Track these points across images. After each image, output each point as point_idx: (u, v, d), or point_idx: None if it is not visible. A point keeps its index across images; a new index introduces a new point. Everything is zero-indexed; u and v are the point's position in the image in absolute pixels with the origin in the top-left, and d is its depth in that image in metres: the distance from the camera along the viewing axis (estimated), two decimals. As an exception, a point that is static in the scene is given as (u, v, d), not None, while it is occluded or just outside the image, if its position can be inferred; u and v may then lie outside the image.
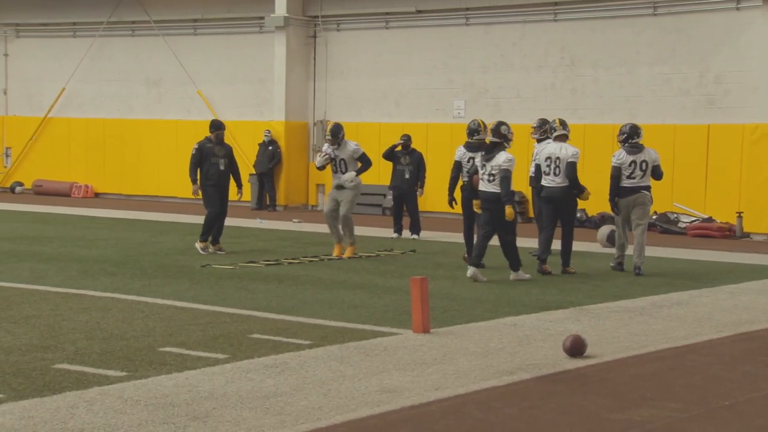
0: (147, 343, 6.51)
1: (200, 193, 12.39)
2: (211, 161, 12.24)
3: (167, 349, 6.33)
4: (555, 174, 11.18)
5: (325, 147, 12.56)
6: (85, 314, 7.52)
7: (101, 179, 23.71)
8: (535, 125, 12.80)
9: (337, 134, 12.34)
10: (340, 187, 12.38)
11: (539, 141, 12.59)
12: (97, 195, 23.56)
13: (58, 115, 24.29)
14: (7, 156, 25.03)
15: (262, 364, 5.96)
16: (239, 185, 12.65)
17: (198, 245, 12.20)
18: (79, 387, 5.28)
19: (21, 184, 24.35)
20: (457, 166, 12.08)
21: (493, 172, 10.28)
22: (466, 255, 11.77)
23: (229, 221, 16.89)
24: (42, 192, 23.64)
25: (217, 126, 12.51)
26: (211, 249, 12.22)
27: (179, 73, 22.64)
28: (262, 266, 10.98)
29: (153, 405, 4.99)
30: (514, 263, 10.34)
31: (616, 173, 11.16)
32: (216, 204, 12.28)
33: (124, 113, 23.56)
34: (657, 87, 17.95)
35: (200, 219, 12.36)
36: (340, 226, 12.23)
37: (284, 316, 7.73)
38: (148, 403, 5.01)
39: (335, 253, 12.17)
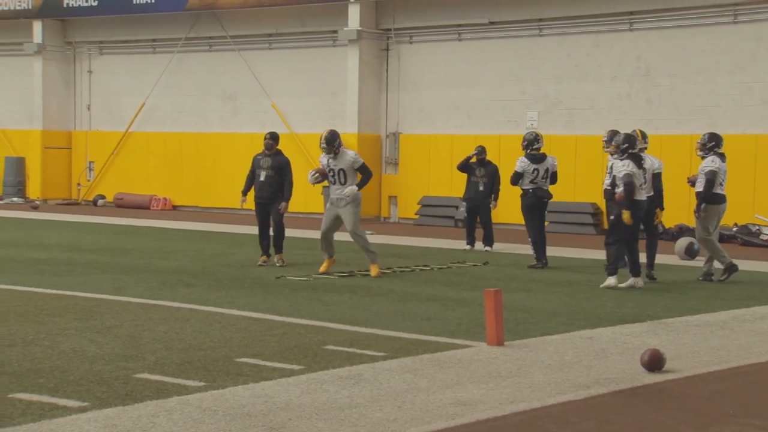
0: (224, 353, 6.62)
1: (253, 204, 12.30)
2: (256, 172, 12.15)
3: (244, 359, 6.42)
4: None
5: (321, 158, 11.55)
6: (164, 325, 7.68)
7: (179, 192, 24.22)
8: (605, 138, 12.89)
9: (332, 142, 11.24)
10: (338, 201, 11.37)
11: (613, 154, 12.69)
12: (174, 207, 24.07)
13: (138, 129, 24.92)
14: (90, 170, 25.77)
15: (336, 376, 6.00)
16: (285, 198, 12.02)
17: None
18: (160, 396, 5.39)
19: (103, 197, 25.03)
20: (518, 177, 12.73)
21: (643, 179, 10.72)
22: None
23: (303, 233, 17.09)
24: (123, 205, 24.26)
25: (265, 136, 12.29)
26: (276, 262, 12.13)
27: (254, 87, 23.02)
28: (336, 278, 11.05)
29: (230, 415, 5.06)
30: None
31: (714, 177, 11.16)
32: (257, 217, 12.20)
33: (201, 127, 24.04)
34: (737, 96, 17.54)
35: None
36: (334, 243, 11.50)
37: (358, 327, 7.77)
38: (226, 414, 5.09)
39: (322, 269, 11.41)
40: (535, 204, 12.81)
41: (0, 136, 26.18)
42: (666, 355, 6.47)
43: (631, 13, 18.73)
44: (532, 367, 6.41)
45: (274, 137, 12.30)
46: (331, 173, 11.37)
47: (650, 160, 11.41)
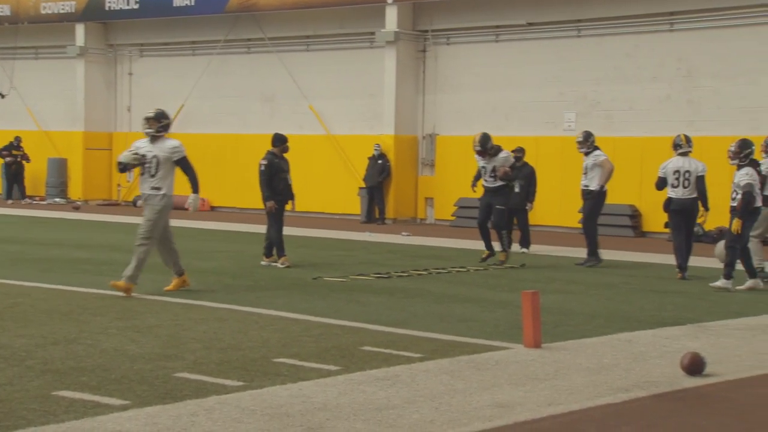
0: (262, 353, 6.66)
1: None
2: (280, 176, 12.16)
3: (281, 359, 6.46)
4: (684, 186, 11.54)
5: (136, 142, 9.72)
6: (203, 325, 7.75)
7: (217, 193, 24.39)
8: (579, 139, 13.34)
9: (159, 117, 9.50)
10: (151, 198, 9.75)
11: (587, 154, 13.09)
12: (212, 208, 24.26)
13: (177, 131, 25.12)
14: (129, 171, 26.05)
15: (373, 377, 6.02)
16: (291, 197, 12.33)
17: (280, 262, 12.05)
18: (199, 395, 5.45)
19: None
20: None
21: None
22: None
23: (339, 234, 17.12)
24: (162, 205, 24.47)
25: (282, 140, 12.34)
26: (280, 263, 12.07)
27: (292, 89, 23.12)
28: (373, 279, 11.07)
29: (269, 415, 5.10)
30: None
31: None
32: (280, 218, 12.23)
33: (240, 128, 24.19)
34: (780, 97, 17.29)
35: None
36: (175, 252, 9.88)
37: (395, 328, 7.78)
38: (264, 413, 5.13)
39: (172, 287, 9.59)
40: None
41: (43, 137, 26.58)
42: (706, 358, 6.39)
43: (672, 13, 18.54)
44: (569, 370, 6.37)
45: (287, 140, 12.44)
46: (144, 160, 9.53)
47: (694, 163, 11.59)
